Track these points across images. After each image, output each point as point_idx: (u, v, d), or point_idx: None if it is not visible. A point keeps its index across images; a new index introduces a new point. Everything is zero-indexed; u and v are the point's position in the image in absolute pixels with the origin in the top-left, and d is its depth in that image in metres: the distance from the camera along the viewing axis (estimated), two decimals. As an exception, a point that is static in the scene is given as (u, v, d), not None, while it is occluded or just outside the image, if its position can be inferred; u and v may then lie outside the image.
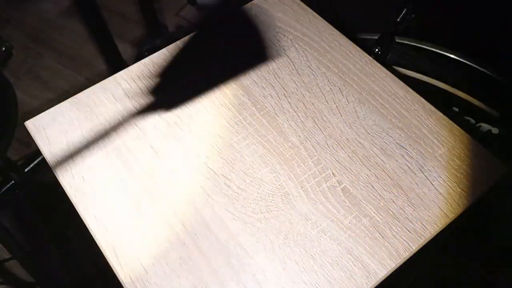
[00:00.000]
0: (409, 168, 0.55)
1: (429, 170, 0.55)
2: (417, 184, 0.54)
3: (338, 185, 0.54)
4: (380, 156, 0.56)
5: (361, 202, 0.53)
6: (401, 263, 0.49)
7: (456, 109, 0.81)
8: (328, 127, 0.59)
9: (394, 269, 0.49)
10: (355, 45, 0.67)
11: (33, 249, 1.10)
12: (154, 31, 1.37)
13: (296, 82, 0.63)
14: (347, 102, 0.61)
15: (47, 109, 0.62)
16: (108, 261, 0.50)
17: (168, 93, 0.63)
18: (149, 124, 0.60)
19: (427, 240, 0.51)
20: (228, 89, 0.63)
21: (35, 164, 1.24)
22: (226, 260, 0.50)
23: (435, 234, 0.51)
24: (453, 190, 0.54)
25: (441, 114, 0.60)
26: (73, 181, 0.56)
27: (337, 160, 0.56)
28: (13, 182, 1.21)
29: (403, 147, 0.57)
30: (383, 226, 0.51)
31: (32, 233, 1.19)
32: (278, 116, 0.60)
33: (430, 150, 0.57)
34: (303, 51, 0.66)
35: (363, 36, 0.91)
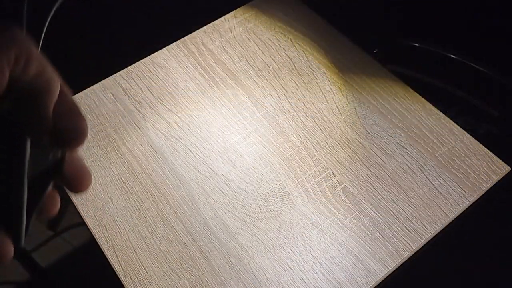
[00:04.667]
0: (409, 167, 0.55)
1: (429, 170, 0.55)
2: (417, 183, 0.54)
3: (338, 185, 0.54)
4: (380, 156, 0.56)
5: (361, 202, 0.53)
6: (401, 262, 0.49)
7: (456, 109, 0.81)
8: (328, 127, 0.59)
9: (394, 268, 0.49)
10: (355, 45, 0.67)
11: (32, 248, 1.10)
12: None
13: (296, 82, 0.63)
14: (347, 102, 0.61)
15: (47, 109, 0.62)
16: (108, 261, 0.50)
17: (168, 93, 0.63)
18: (149, 124, 0.60)
19: (427, 239, 0.51)
20: (228, 89, 0.63)
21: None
22: (226, 260, 0.50)
23: (435, 233, 0.51)
24: (453, 190, 0.54)
25: (441, 114, 0.60)
26: (73, 181, 0.55)
27: (337, 160, 0.56)
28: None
29: (403, 147, 0.57)
30: (383, 226, 0.51)
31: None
32: (278, 116, 0.60)
33: (430, 150, 0.57)
34: (303, 51, 0.66)
35: (363, 36, 0.91)
